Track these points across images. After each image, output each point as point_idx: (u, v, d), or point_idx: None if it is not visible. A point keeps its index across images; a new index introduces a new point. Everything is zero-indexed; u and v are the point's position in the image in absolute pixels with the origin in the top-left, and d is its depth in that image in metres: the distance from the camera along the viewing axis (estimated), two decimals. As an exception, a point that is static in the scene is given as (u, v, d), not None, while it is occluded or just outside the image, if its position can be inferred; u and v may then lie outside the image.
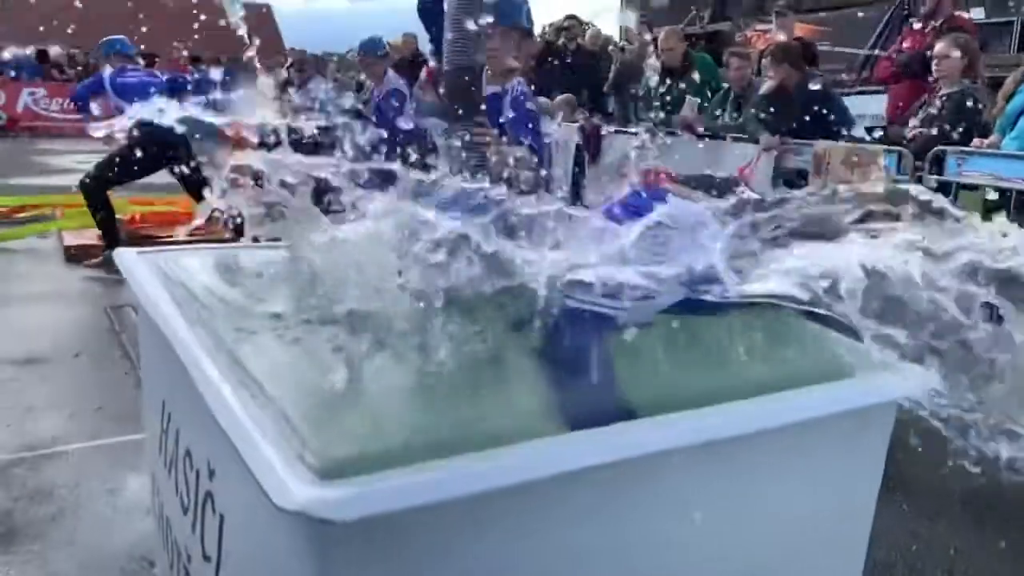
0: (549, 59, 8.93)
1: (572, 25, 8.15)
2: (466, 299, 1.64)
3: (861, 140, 4.63)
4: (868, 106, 10.56)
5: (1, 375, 3.44)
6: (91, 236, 5.76)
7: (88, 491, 2.53)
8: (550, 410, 1.15)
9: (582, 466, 0.99)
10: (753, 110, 5.07)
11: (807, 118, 4.72)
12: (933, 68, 4.35)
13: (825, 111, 4.63)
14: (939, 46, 4.28)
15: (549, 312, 1.43)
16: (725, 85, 5.52)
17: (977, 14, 9.21)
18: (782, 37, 6.95)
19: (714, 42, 14.44)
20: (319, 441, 0.97)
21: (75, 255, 5.52)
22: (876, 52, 10.81)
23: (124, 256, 1.93)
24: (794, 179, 4.79)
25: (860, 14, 11.46)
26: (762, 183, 4.89)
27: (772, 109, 4.80)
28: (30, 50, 16.95)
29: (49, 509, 2.43)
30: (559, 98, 7.16)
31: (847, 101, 9.43)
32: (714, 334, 1.60)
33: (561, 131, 6.43)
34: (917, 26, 5.38)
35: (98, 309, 4.48)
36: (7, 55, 16.13)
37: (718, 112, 5.40)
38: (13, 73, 15.98)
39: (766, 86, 4.88)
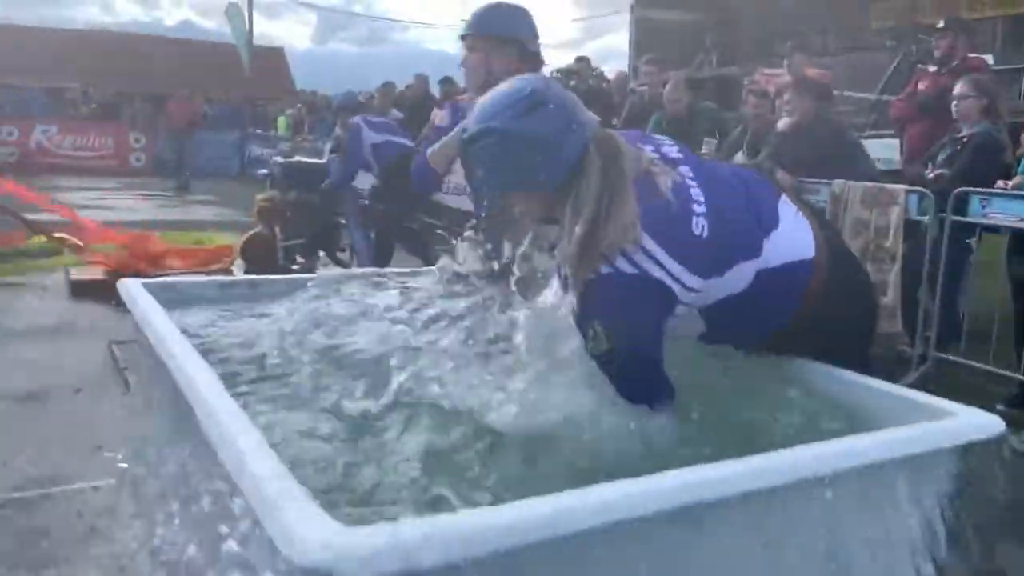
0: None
1: (582, 68, 8.18)
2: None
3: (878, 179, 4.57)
4: (880, 150, 10.58)
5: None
6: (96, 272, 5.71)
7: (84, 534, 2.42)
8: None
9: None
10: (769, 148, 5.03)
11: (824, 156, 4.67)
12: (953, 109, 4.30)
13: (843, 150, 4.58)
14: (959, 87, 4.24)
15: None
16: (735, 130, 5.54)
17: (986, 60, 9.27)
18: (790, 77, 6.99)
19: (722, 86, 14.61)
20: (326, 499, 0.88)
21: (80, 290, 5.46)
22: (885, 97, 10.88)
23: (128, 287, 1.86)
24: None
25: (869, 59, 11.56)
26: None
27: (789, 146, 4.75)
28: (41, 86, 17.22)
29: (44, 552, 2.32)
30: (675, 79, 7.08)
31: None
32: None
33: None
34: (932, 69, 5.36)
35: (102, 344, 4.39)
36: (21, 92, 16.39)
37: (737, 151, 5.36)
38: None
39: (784, 122, 4.84)
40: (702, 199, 1.48)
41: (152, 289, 1.84)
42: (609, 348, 1.37)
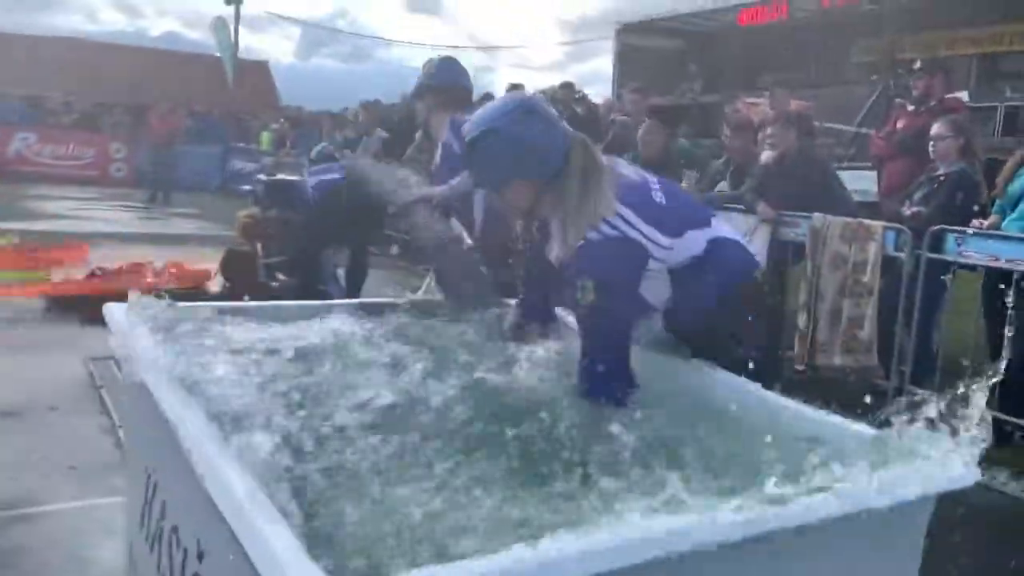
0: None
1: (565, 95, 8.24)
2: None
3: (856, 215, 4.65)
4: (857, 182, 10.76)
5: (-28, 428, 3.29)
6: (73, 287, 5.63)
7: (58, 557, 2.39)
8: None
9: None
10: (752, 180, 5.10)
11: (806, 190, 4.75)
12: (930, 149, 4.40)
13: (824, 184, 4.65)
14: (936, 128, 4.33)
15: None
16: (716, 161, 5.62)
17: (961, 98, 9.48)
18: (771, 109, 7.10)
19: (705, 113, 14.80)
20: (326, 542, 0.88)
21: (56, 305, 5.39)
22: (864, 130, 11.08)
23: (113, 311, 1.85)
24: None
25: (849, 92, 11.79)
26: (759, 255, 4.88)
27: (772, 179, 4.82)
28: (21, 94, 17.05)
29: (17, 574, 2.29)
30: (649, 123, 7.14)
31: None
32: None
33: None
34: (910, 108, 5.48)
35: (78, 360, 4.34)
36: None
37: (719, 182, 5.42)
38: None
39: (767, 155, 4.91)
40: (657, 184, 1.87)
41: (138, 312, 1.82)
42: (593, 300, 1.67)
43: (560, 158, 1.78)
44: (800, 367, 4.62)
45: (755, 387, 1.71)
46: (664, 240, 1.78)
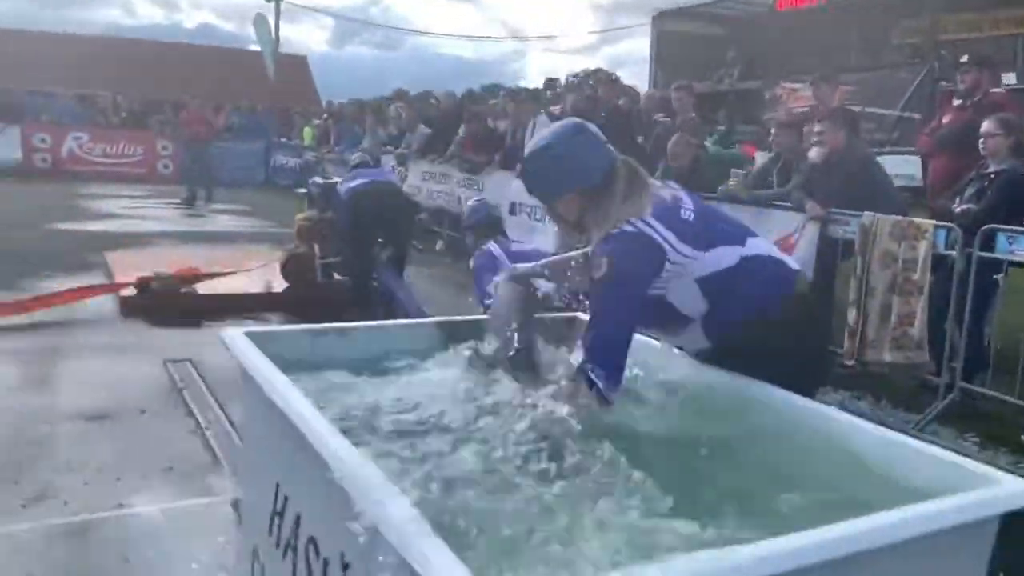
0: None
1: (609, 92, 8.30)
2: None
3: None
4: (901, 167, 10.68)
5: (73, 429, 3.54)
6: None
7: (165, 554, 2.60)
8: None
9: None
10: (799, 177, 5.17)
11: (855, 188, 4.81)
12: (980, 146, 4.43)
13: (873, 182, 4.72)
14: (986, 125, 4.37)
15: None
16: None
17: (1008, 79, 9.34)
18: (814, 100, 7.10)
19: (743, 99, 14.70)
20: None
21: (131, 308, 5.67)
22: (908, 114, 10.96)
23: (234, 339, 2.03)
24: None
25: (891, 75, 11.64)
26: (807, 252, 4.96)
27: (820, 177, 4.89)
28: (72, 94, 17.52)
29: (130, 572, 2.50)
30: (678, 137, 7.22)
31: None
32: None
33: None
34: (956, 102, 5.48)
35: (156, 363, 4.59)
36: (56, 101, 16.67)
37: (767, 179, 5.49)
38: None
39: (815, 152, 4.97)
40: (691, 206, 2.04)
41: (255, 340, 2.01)
42: (605, 275, 1.89)
43: (606, 174, 2.00)
44: (849, 362, 4.70)
45: (835, 412, 1.82)
46: (686, 249, 1.95)
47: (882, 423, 3.80)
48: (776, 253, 2.18)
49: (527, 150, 2.14)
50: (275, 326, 2.22)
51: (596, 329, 1.90)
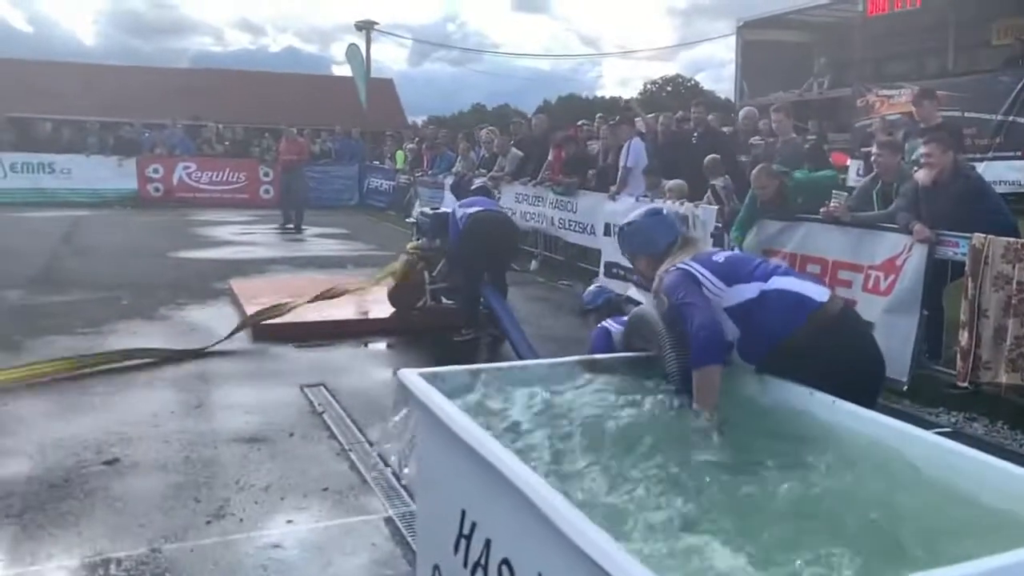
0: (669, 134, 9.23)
1: (700, 114, 8.40)
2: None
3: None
4: (1006, 173, 10.35)
5: (236, 452, 3.94)
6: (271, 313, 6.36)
7: (335, 567, 2.91)
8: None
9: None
10: (903, 199, 5.20)
11: (962, 209, 4.83)
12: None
13: (983, 203, 4.72)
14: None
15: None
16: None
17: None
18: (914, 114, 7.04)
19: (832, 108, 14.47)
20: None
21: (261, 334, 6.13)
22: (1012, 118, 10.61)
23: (410, 378, 2.33)
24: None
25: (991, 79, 11.28)
26: (914, 274, 4.99)
27: (927, 199, 4.92)
28: (180, 126, 18.65)
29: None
30: (670, 184, 7.48)
31: (980, 167, 9.30)
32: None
33: (702, 212, 6.76)
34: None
35: (293, 387, 5.00)
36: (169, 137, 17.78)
37: (867, 202, 5.53)
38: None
39: (922, 174, 4.99)
40: (723, 256, 2.77)
41: (428, 379, 2.30)
42: (667, 302, 2.61)
43: (669, 244, 2.82)
44: (963, 384, 4.72)
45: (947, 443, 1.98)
46: (717, 281, 2.58)
47: (998, 447, 3.86)
48: (803, 289, 2.60)
49: (623, 222, 3.03)
50: (442, 367, 2.49)
51: (686, 327, 2.50)
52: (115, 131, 18.06)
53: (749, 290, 2.57)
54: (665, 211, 2.98)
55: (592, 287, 5.03)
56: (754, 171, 6.19)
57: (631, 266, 3.16)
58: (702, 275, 2.59)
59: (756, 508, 1.85)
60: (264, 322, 6.18)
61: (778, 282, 2.60)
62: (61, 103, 22.76)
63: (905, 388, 4.87)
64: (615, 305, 4.67)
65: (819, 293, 2.61)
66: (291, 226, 13.47)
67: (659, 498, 1.91)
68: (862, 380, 2.51)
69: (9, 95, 21.37)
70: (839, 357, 2.48)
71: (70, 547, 2.98)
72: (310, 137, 18.23)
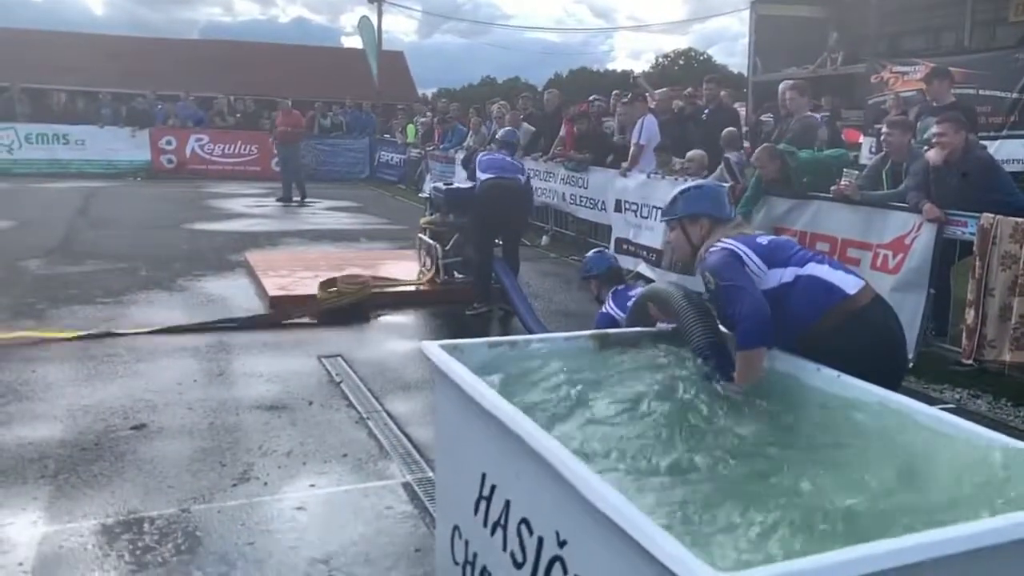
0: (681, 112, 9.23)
1: (712, 91, 8.40)
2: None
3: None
4: (1016, 151, 10.31)
5: (258, 419, 4.07)
6: (290, 288, 6.48)
7: (358, 529, 3.05)
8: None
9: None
10: (913, 179, 5.24)
11: (972, 189, 4.88)
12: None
13: (994, 184, 4.77)
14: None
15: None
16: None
17: None
18: (927, 93, 7.04)
19: (846, 84, 14.37)
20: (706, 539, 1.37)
21: (280, 307, 6.25)
22: (1026, 96, 10.54)
23: (432, 349, 2.43)
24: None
25: (1008, 56, 11.20)
26: (923, 253, 5.05)
27: (938, 179, 4.97)
28: (193, 98, 18.69)
29: (330, 541, 2.96)
30: (690, 153, 7.49)
31: (993, 145, 9.24)
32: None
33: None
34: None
35: (311, 358, 5.12)
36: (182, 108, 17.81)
37: (876, 180, 5.57)
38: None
39: (934, 154, 5.04)
40: (766, 238, 2.83)
41: (449, 351, 2.40)
42: (713, 283, 2.62)
43: (728, 215, 2.89)
44: (967, 361, 4.80)
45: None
46: (758, 261, 2.64)
47: (1001, 423, 3.95)
48: (833, 278, 2.64)
49: (687, 184, 3.09)
50: (462, 340, 2.59)
51: (732, 309, 2.53)
52: (128, 102, 18.13)
53: (785, 274, 2.62)
54: (708, 183, 3.15)
55: (591, 253, 4.77)
56: (757, 151, 6.23)
57: (668, 234, 3.20)
58: (746, 255, 2.63)
59: (771, 481, 1.94)
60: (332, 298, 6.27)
61: (813, 269, 2.64)
62: (75, 74, 22.81)
63: (911, 365, 4.95)
64: (615, 273, 4.53)
65: (850, 284, 2.64)
66: (295, 200, 13.32)
67: (673, 464, 2.01)
68: (882, 371, 2.50)
69: (24, 65, 21.43)
70: (861, 348, 2.52)
71: (104, 506, 3.13)
72: (321, 110, 18.26)
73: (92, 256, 8.26)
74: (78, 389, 4.41)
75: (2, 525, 2.95)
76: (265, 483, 3.38)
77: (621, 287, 4.27)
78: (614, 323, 3.78)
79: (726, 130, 7.37)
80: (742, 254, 2.63)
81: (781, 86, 7.49)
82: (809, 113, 6.69)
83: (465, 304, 6.49)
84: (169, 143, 17.35)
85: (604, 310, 4.13)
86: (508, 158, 6.87)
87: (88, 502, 3.16)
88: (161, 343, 5.29)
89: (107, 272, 7.47)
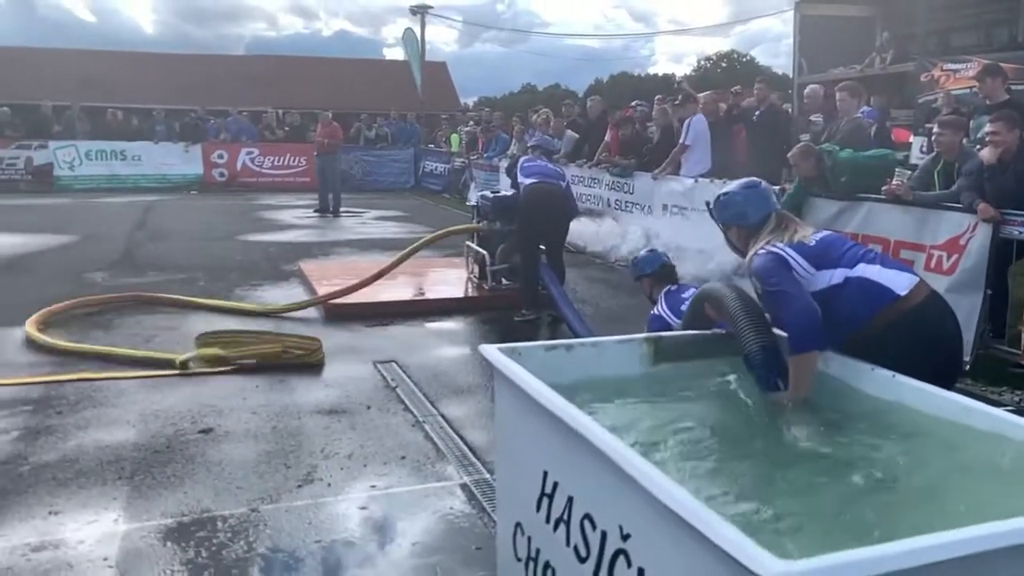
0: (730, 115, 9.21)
1: (763, 92, 8.38)
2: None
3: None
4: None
5: (319, 423, 4.21)
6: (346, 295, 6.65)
7: (421, 528, 3.15)
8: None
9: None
10: (967, 179, 5.18)
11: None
12: None
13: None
14: None
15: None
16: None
17: None
18: (977, 87, 6.90)
19: (895, 83, 14.12)
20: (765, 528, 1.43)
21: (334, 315, 6.42)
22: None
23: (492, 352, 2.52)
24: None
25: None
26: (978, 254, 4.99)
27: (993, 178, 4.91)
28: (244, 114, 19.18)
29: (390, 539, 3.06)
30: (798, 147, 7.37)
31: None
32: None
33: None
34: None
35: (367, 364, 5.26)
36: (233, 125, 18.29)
37: (928, 180, 5.52)
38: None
39: (987, 153, 4.98)
40: (815, 241, 2.71)
41: (508, 353, 2.49)
42: (761, 288, 2.63)
43: (763, 218, 2.81)
44: (1025, 362, 4.73)
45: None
46: (806, 264, 2.62)
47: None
48: (884, 279, 2.61)
49: (720, 192, 3.00)
50: (519, 343, 2.67)
51: (783, 314, 2.55)
52: (180, 118, 18.69)
53: (834, 276, 2.61)
54: (762, 185, 2.95)
55: (644, 252, 4.65)
56: (794, 149, 6.20)
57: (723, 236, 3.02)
58: (792, 259, 2.61)
59: (830, 486, 1.98)
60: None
61: (863, 270, 2.61)
62: (129, 92, 23.57)
63: (967, 367, 4.90)
64: (668, 271, 4.44)
65: (902, 283, 2.61)
66: (329, 213, 13.39)
67: (724, 464, 2.07)
68: (935, 371, 2.45)
69: (82, 85, 22.25)
70: (912, 349, 2.50)
71: (179, 505, 3.28)
72: (366, 121, 18.60)
73: (153, 267, 8.57)
74: (148, 395, 4.60)
75: (88, 522, 3.12)
76: (329, 484, 3.51)
77: (674, 287, 4.23)
78: (666, 326, 3.81)
79: (798, 146, 7.24)
80: (788, 257, 2.62)
81: (807, 90, 7.41)
82: (859, 115, 6.63)
83: (513, 311, 6.57)
84: (221, 157, 17.85)
85: (656, 312, 4.13)
86: (549, 164, 6.97)
87: (163, 502, 3.32)
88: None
89: (168, 283, 7.74)
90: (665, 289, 4.23)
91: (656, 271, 4.40)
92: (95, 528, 3.08)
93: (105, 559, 2.87)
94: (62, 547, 2.94)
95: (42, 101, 18.03)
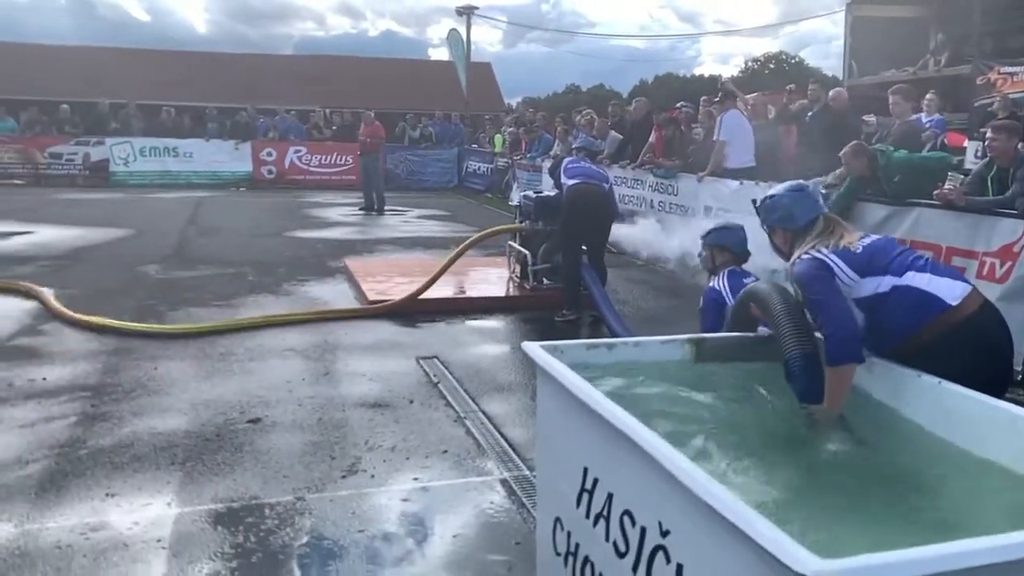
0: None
1: (817, 92, 8.27)
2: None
3: None
4: None
5: (363, 416, 4.31)
6: (388, 292, 6.76)
7: (461, 521, 3.21)
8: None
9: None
10: (1020, 185, 5.07)
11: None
12: None
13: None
14: None
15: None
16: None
17: None
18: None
19: (950, 85, 13.80)
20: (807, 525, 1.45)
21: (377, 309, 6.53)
22: None
23: (535, 350, 2.57)
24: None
25: None
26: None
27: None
28: (293, 113, 19.52)
29: (433, 531, 3.13)
30: (849, 146, 7.22)
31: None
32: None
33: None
34: None
35: (410, 359, 5.35)
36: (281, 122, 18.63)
37: (982, 185, 5.41)
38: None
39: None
40: (863, 247, 2.64)
41: (550, 351, 2.53)
42: (804, 295, 2.58)
43: (808, 222, 2.76)
44: (1081, 374, 4.61)
45: None
46: (850, 272, 2.56)
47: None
48: (933, 288, 2.54)
49: (765, 194, 2.95)
50: (561, 342, 2.71)
51: (823, 321, 2.50)
52: (231, 116, 19.10)
53: (881, 284, 2.55)
54: (809, 188, 2.92)
55: (732, 223, 4.47)
56: (846, 148, 6.11)
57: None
58: (837, 265, 2.57)
59: (872, 491, 1.98)
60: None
61: (911, 278, 2.55)
62: (181, 90, 24.18)
63: (1020, 377, 4.79)
64: (745, 257, 4.23)
65: (953, 292, 2.53)
66: (373, 211, 13.69)
67: (761, 465, 2.08)
68: (984, 381, 2.37)
69: (138, 83, 22.87)
70: (962, 362, 2.42)
71: (228, 491, 3.39)
72: (411, 121, 18.78)
73: (203, 262, 8.80)
74: (198, 385, 4.75)
75: (143, 505, 3.25)
76: (372, 475, 3.59)
77: (739, 270, 4.10)
78: (722, 302, 3.78)
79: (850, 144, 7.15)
80: (832, 264, 2.57)
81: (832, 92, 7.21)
82: (913, 118, 6.52)
83: (554, 310, 6.61)
84: (269, 155, 18.20)
85: (714, 285, 4.04)
86: (592, 166, 6.99)
87: (213, 487, 3.43)
88: (271, 344, 5.62)
89: (218, 277, 7.95)
90: (731, 268, 4.11)
91: (739, 251, 4.20)
92: (149, 511, 3.20)
93: (159, 540, 2.98)
94: (118, 528, 3.06)
95: (100, 99, 18.62)
